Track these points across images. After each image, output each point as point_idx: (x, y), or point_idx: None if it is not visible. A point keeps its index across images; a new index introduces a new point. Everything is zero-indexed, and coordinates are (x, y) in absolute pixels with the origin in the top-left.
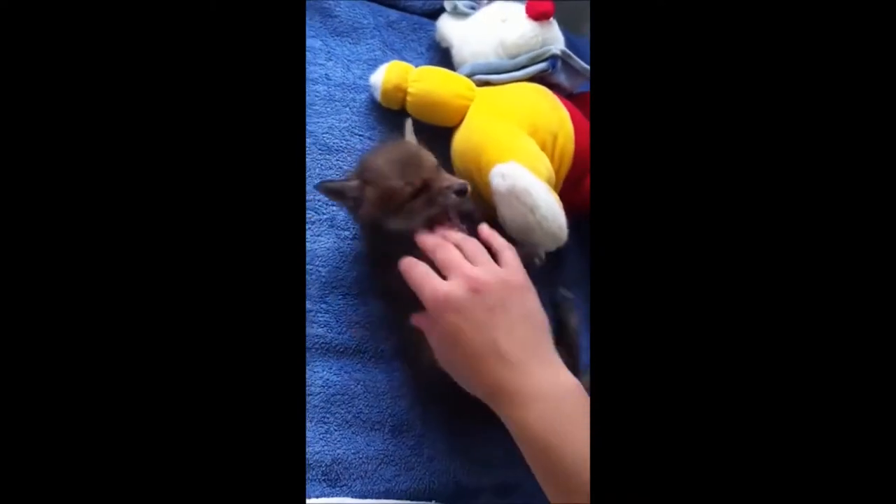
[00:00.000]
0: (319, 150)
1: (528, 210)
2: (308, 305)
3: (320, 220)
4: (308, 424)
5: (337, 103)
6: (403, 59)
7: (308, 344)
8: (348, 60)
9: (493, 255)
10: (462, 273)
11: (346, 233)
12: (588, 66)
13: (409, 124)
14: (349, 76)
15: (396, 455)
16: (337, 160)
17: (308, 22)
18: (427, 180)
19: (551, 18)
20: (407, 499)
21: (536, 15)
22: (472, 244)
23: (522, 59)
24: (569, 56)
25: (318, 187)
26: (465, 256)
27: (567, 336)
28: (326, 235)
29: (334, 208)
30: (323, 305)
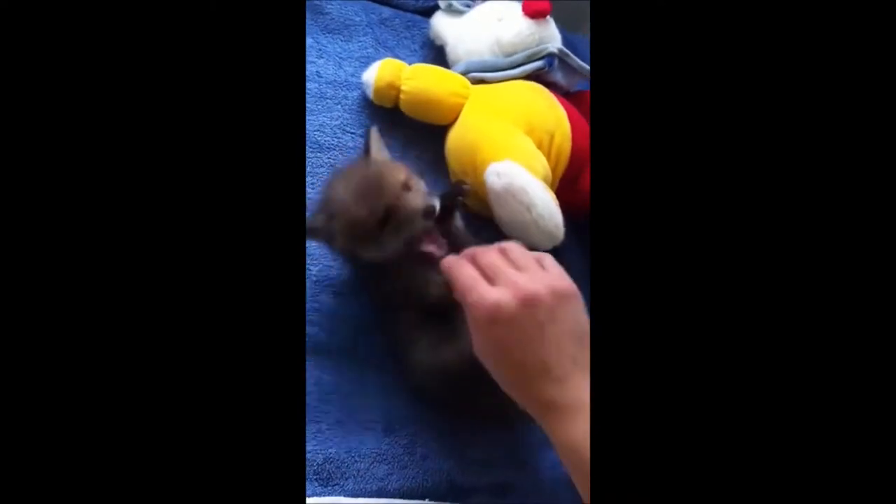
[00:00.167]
0: (311, 147)
1: (524, 208)
2: None
3: None
4: None
5: (328, 101)
6: (396, 56)
7: None
8: (340, 58)
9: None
10: (510, 281)
11: None
12: (585, 65)
13: (374, 133)
14: (341, 73)
15: (389, 454)
16: (328, 158)
17: None
18: (390, 207)
19: (548, 17)
20: (400, 497)
21: (533, 13)
22: (516, 248)
23: (518, 57)
24: (566, 54)
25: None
26: (510, 261)
27: None
28: None
29: None
30: (315, 304)
